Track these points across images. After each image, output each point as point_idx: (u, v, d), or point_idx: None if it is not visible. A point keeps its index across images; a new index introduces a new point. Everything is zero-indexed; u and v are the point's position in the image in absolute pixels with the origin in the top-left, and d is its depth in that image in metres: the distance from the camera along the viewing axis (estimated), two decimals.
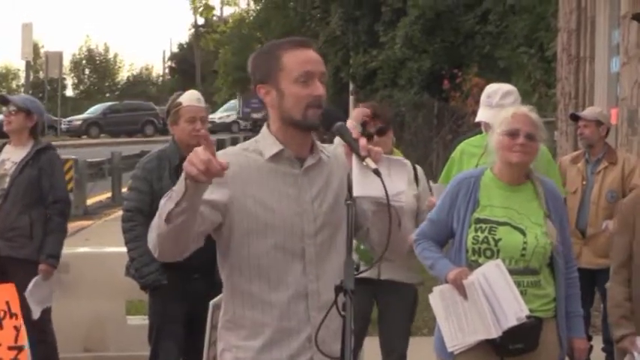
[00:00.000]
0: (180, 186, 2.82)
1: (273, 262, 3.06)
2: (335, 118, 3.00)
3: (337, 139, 3.04)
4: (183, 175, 2.79)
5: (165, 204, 2.87)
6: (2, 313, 4.40)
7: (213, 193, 2.95)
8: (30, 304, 6.09)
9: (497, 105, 5.57)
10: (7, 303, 4.42)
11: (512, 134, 4.28)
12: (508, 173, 4.38)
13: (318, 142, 3.18)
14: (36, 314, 6.18)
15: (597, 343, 6.99)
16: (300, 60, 3.08)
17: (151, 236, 2.98)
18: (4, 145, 6.48)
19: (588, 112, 7.21)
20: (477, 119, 5.69)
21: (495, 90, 5.71)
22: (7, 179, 6.26)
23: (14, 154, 6.36)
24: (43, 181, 6.27)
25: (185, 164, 2.75)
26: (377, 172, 2.81)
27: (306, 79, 3.05)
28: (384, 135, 5.32)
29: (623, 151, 8.25)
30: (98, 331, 7.24)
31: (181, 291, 5.33)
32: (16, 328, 4.44)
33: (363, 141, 2.89)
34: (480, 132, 5.82)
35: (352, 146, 2.89)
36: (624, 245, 4.59)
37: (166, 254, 2.98)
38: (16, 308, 4.47)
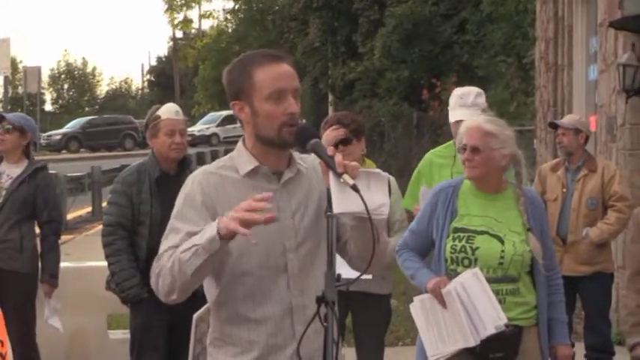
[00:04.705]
0: (212, 244, 2.82)
1: (258, 280, 3.02)
2: (309, 135, 2.95)
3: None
4: (212, 233, 2.81)
5: (190, 260, 2.87)
6: None
7: (199, 226, 2.94)
8: (54, 324, 6.52)
9: (473, 104, 5.54)
10: None
11: (462, 150, 4.32)
12: (477, 184, 4.39)
13: (295, 154, 3.12)
14: (60, 328, 6.58)
15: (579, 349, 7.01)
16: (273, 76, 3.00)
17: (166, 283, 2.99)
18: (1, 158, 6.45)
19: (566, 120, 7.23)
20: (456, 118, 5.44)
21: (467, 92, 5.67)
22: (3, 193, 6.27)
23: (9, 170, 6.36)
24: (38, 199, 6.32)
25: (229, 222, 2.78)
26: (355, 188, 2.76)
27: (279, 96, 2.99)
28: (360, 140, 5.28)
29: (603, 158, 8.29)
30: (80, 346, 7.19)
31: (162, 304, 5.29)
32: (2, 356, 4.40)
33: (338, 157, 2.83)
34: None
35: (328, 163, 2.85)
36: (639, 253, 4.54)
37: (184, 296, 3.02)
38: (2, 335, 4.43)
